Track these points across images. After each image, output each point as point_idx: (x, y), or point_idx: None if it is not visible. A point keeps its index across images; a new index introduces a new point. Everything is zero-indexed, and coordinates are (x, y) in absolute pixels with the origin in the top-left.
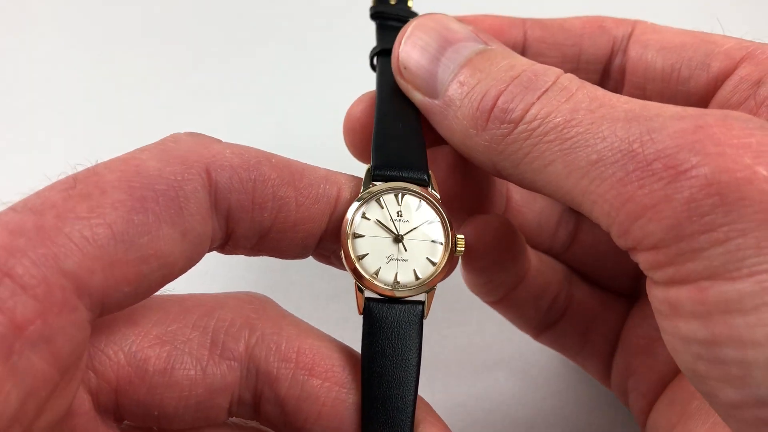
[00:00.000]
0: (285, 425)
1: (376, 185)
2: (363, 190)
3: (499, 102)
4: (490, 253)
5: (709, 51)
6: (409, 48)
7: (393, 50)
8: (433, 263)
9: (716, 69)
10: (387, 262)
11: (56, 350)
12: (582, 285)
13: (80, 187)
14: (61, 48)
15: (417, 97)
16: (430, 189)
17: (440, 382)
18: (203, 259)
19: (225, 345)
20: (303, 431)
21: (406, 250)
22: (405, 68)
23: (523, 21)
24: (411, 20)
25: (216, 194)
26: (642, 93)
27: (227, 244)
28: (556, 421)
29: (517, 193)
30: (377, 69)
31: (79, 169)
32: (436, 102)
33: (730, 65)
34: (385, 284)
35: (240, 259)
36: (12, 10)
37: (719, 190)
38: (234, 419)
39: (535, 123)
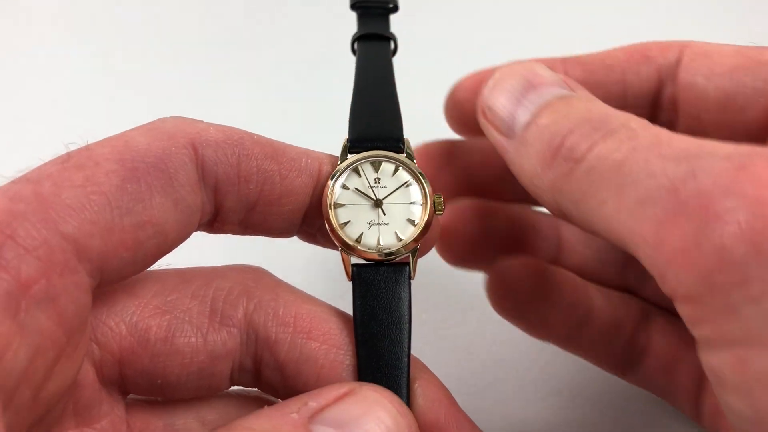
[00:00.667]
0: (285, 389)
1: (352, 156)
2: (340, 163)
3: (567, 141)
4: (517, 296)
5: (764, 75)
6: (496, 91)
7: (481, 93)
8: (414, 223)
9: None
10: (369, 228)
11: (61, 310)
12: (664, 321)
13: (74, 160)
14: (63, 45)
15: (494, 136)
16: (405, 155)
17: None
18: (199, 253)
19: (224, 312)
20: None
21: (385, 214)
22: (489, 108)
23: (563, 61)
24: (501, 66)
25: (203, 167)
26: (698, 124)
27: (216, 220)
28: (556, 421)
29: (572, 234)
30: (357, 53)
31: (72, 147)
32: (512, 142)
33: None
34: (368, 248)
35: (236, 255)
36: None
37: (753, 239)
38: (236, 388)
39: (597, 161)
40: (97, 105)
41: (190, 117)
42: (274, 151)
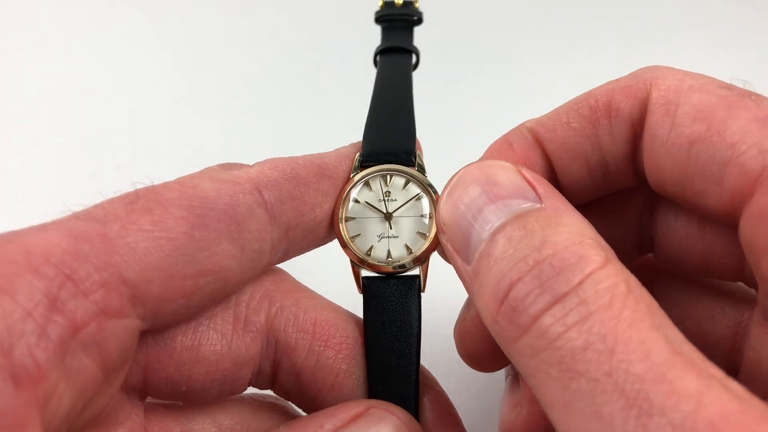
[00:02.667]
0: (299, 394)
1: (363, 170)
2: (351, 176)
3: (512, 294)
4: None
5: (723, 157)
6: (449, 204)
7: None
8: (424, 236)
9: (730, 187)
10: (379, 240)
11: (106, 353)
12: None
13: (142, 202)
14: (66, 50)
15: (453, 257)
16: (417, 168)
17: (440, 382)
18: None
19: (247, 318)
20: (316, 401)
21: (396, 227)
22: (444, 225)
23: (535, 133)
24: (459, 171)
25: (272, 209)
26: (666, 194)
27: (285, 255)
28: None
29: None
30: (378, 65)
31: (138, 186)
32: (468, 269)
33: (745, 185)
34: (378, 261)
35: None
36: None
37: None
38: (251, 392)
39: (541, 343)
40: (97, 105)
41: (232, 158)
42: (320, 168)
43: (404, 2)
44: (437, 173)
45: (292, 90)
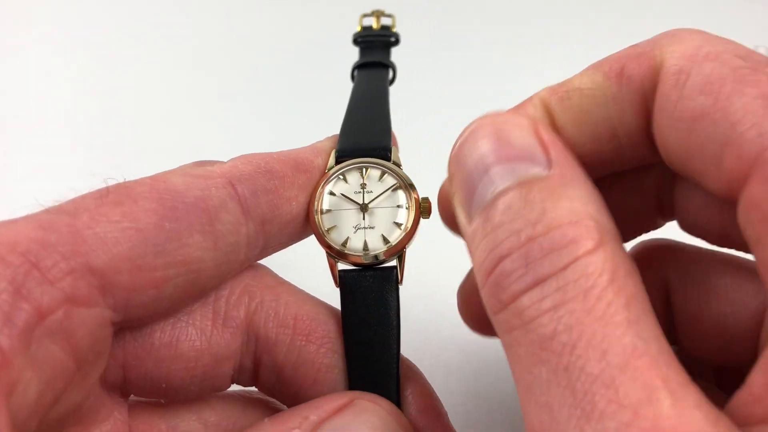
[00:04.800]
0: (282, 391)
1: (339, 164)
2: (327, 171)
3: (498, 268)
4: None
5: (724, 137)
6: (459, 156)
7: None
8: (400, 226)
9: (728, 170)
10: (355, 232)
11: (75, 342)
12: None
13: (113, 196)
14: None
15: (459, 214)
16: (392, 162)
17: (440, 382)
18: None
19: (227, 314)
20: (298, 396)
21: (372, 217)
22: (453, 176)
23: (546, 104)
24: (475, 121)
25: (246, 203)
26: (675, 171)
27: (263, 251)
28: None
29: None
30: (355, 79)
31: (110, 182)
32: (469, 229)
33: (742, 170)
34: (354, 252)
35: None
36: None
37: None
38: (237, 388)
39: (516, 321)
40: (96, 105)
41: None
42: (296, 163)
43: (382, 26)
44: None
45: (293, 90)
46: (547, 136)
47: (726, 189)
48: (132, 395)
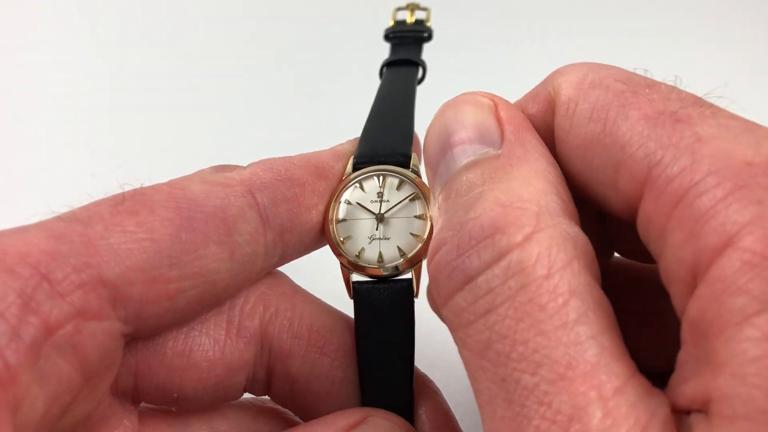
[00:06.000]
0: (294, 402)
1: (356, 171)
2: (344, 178)
3: (436, 258)
4: None
5: (616, 160)
6: (427, 137)
7: None
8: (418, 237)
9: (624, 191)
10: (370, 242)
11: (83, 356)
12: None
13: (128, 204)
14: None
15: (430, 179)
16: (411, 170)
17: (440, 382)
18: None
19: (241, 323)
20: (311, 409)
21: (388, 228)
22: (424, 155)
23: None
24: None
25: (266, 212)
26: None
27: (281, 259)
28: None
29: None
30: (383, 77)
31: (127, 188)
32: (434, 212)
33: (636, 190)
34: (369, 263)
35: None
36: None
37: None
38: (249, 397)
39: (456, 322)
40: (96, 104)
41: (226, 160)
42: (317, 169)
43: (416, 20)
44: None
45: (296, 91)
46: (506, 114)
47: (626, 209)
48: (142, 402)
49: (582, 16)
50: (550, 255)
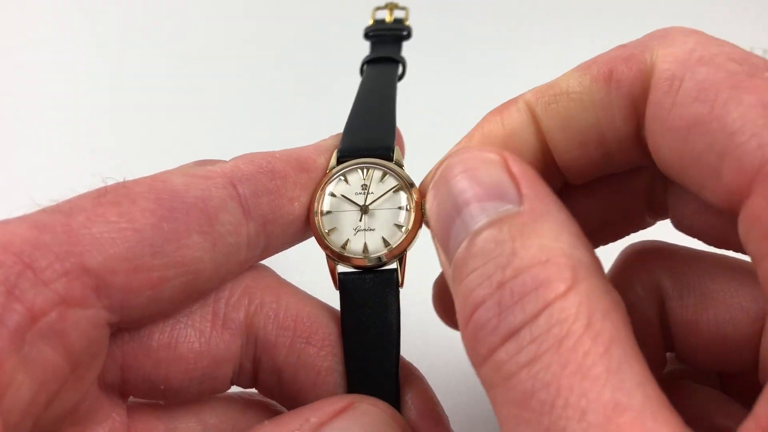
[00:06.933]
0: (281, 393)
1: (340, 165)
2: (329, 171)
3: (473, 319)
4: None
5: (722, 147)
6: (434, 201)
7: None
8: (401, 228)
9: (728, 182)
10: (355, 234)
11: (69, 343)
12: None
13: (110, 196)
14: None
15: (441, 257)
16: (394, 162)
17: (440, 382)
18: None
19: (226, 315)
20: (298, 399)
21: (372, 219)
22: (430, 221)
23: (531, 108)
24: (444, 159)
25: (247, 203)
26: (671, 179)
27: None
28: None
29: None
30: (363, 74)
31: (109, 182)
32: (449, 271)
33: (742, 184)
34: (354, 254)
35: None
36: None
37: None
38: (237, 390)
39: (497, 378)
40: (97, 104)
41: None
42: (299, 162)
43: (395, 19)
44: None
45: (296, 91)
46: (517, 168)
47: (725, 201)
48: (131, 396)
49: (582, 17)
50: (590, 305)
